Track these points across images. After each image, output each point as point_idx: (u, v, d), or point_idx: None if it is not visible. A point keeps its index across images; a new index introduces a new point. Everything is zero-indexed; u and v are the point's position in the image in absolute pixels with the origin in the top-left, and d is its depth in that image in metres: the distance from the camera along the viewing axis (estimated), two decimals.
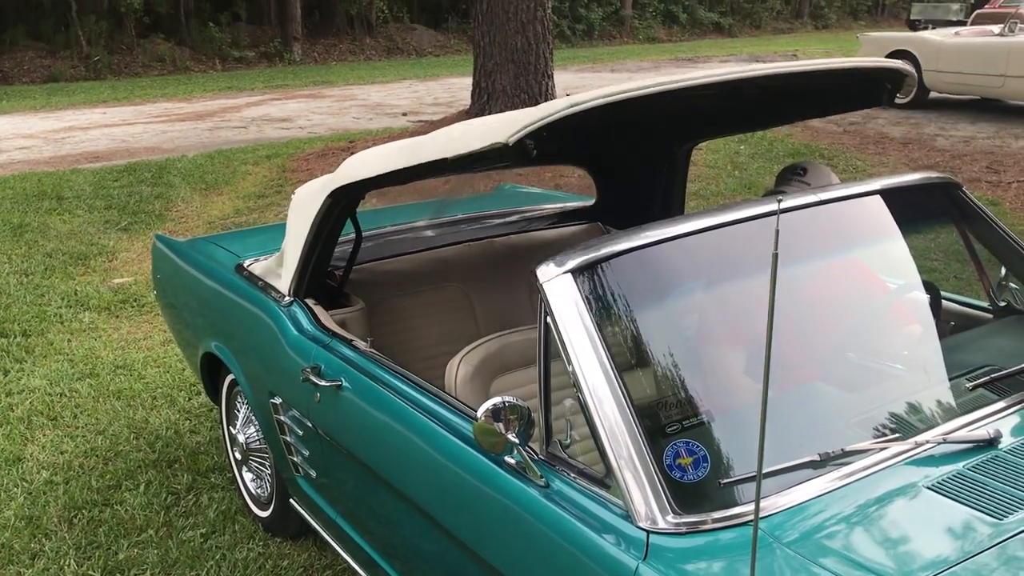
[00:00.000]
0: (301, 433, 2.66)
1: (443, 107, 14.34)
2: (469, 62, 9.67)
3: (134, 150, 10.84)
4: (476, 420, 1.79)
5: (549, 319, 1.86)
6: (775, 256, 1.29)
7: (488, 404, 1.78)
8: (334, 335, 2.59)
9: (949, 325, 2.52)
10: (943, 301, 2.56)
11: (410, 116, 13.33)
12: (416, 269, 3.23)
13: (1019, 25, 10.90)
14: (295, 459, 2.76)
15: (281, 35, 23.90)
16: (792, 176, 2.96)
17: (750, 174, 8.52)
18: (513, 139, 1.92)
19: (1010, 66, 10.73)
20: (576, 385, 1.77)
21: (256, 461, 3.21)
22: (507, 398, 1.80)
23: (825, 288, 2.25)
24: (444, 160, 2.15)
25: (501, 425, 1.78)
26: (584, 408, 1.74)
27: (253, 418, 3.17)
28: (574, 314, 1.82)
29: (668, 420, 1.72)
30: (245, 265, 3.16)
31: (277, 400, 2.76)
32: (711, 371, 1.90)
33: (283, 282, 2.88)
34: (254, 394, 2.91)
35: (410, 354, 3.08)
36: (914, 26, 25.19)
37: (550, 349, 1.88)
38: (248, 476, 3.32)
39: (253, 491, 3.30)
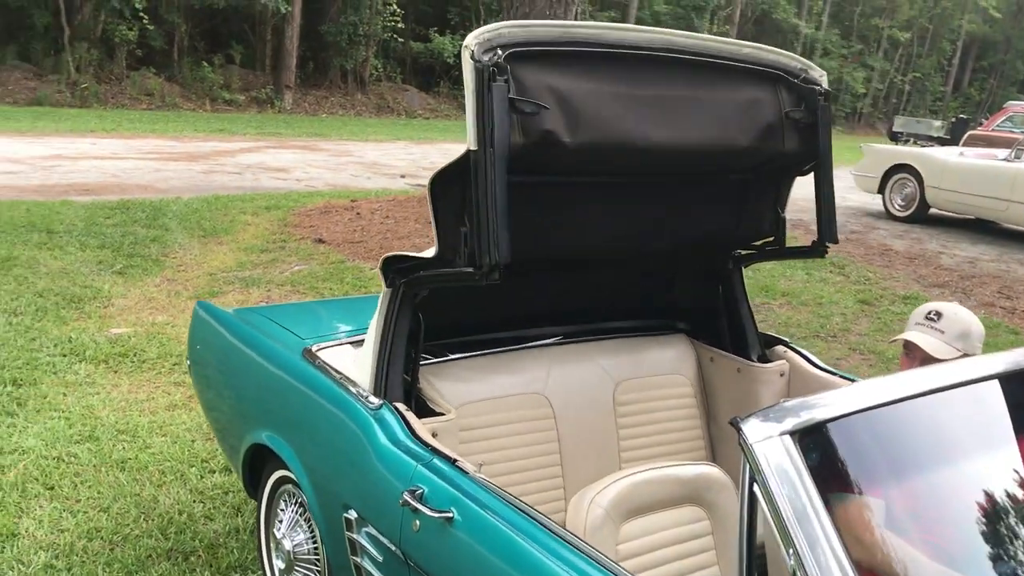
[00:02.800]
0: (381, 559, 2.33)
1: None
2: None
3: (126, 186, 10.46)
4: None
5: (758, 488, 1.58)
6: None
7: None
8: (435, 451, 2.29)
9: None
10: None
11: (408, 179, 13.12)
12: (495, 371, 2.93)
13: None
14: None
15: (274, 82, 23.74)
16: (925, 320, 2.75)
17: (763, 276, 8.38)
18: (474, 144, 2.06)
19: (1015, 191, 10.83)
20: (798, 573, 1.49)
21: (302, 573, 2.85)
22: None
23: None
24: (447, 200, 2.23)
25: None
26: None
27: (303, 524, 2.83)
28: (796, 486, 1.54)
29: None
30: (314, 350, 2.84)
31: (352, 515, 2.43)
32: (968, 565, 1.63)
33: (364, 378, 2.57)
34: (320, 503, 2.57)
35: (486, 468, 2.77)
36: (896, 138, 25.77)
37: (756, 523, 1.59)
38: None
39: None
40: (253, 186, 11.21)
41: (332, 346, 2.90)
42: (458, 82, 28.56)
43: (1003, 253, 10.61)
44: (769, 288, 8.00)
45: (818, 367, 3.10)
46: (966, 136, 17.12)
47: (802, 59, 2.60)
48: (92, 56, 20.67)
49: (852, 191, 13.54)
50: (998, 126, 16.89)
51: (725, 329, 3.26)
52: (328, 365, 2.73)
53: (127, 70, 21.64)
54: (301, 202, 10.16)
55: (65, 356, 5.24)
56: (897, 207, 12.36)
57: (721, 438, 3.20)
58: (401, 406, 2.46)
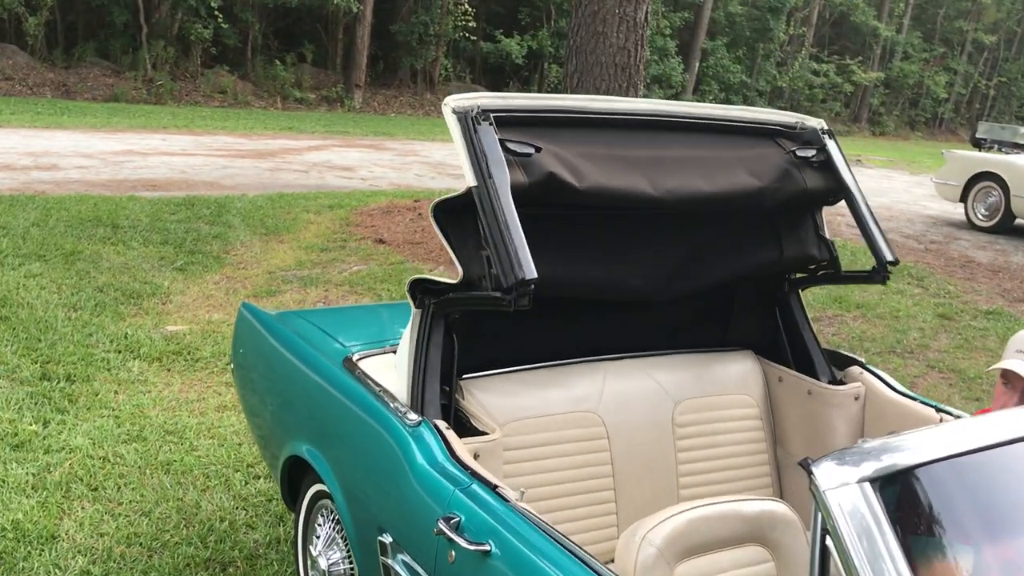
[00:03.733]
0: None
1: None
2: None
3: (192, 182, 10.53)
4: None
5: (831, 540, 1.38)
6: None
7: None
8: (474, 475, 2.12)
9: None
10: None
11: None
12: (545, 386, 2.75)
13: None
14: None
15: (344, 81, 23.87)
16: None
17: (838, 287, 8.04)
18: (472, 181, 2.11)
19: None
20: None
21: None
22: None
23: None
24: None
25: None
26: None
27: (339, 542, 2.69)
28: (876, 542, 1.34)
29: None
30: (355, 360, 2.70)
31: (387, 539, 2.27)
32: None
33: (402, 392, 2.42)
34: (355, 525, 2.42)
35: (533, 491, 2.59)
36: (979, 145, 24.83)
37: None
38: None
39: None
40: (318, 184, 11.20)
41: (374, 355, 2.75)
42: (528, 83, 28.46)
43: None
44: (843, 299, 7.67)
45: (896, 391, 2.85)
46: None
47: (795, 114, 2.73)
48: (168, 54, 21.01)
49: (932, 199, 13.03)
50: None
51: (788, 353, 3.06)
52: (368, 376, 2.58)
53: (201, 68, 21.94)
54: (364, 201, 10.11)
55: (120, 353, 5.21)
56: (980, 217, 11.83)
57: (788, 465, 2.98)
58: (442, 424, 2.30)
